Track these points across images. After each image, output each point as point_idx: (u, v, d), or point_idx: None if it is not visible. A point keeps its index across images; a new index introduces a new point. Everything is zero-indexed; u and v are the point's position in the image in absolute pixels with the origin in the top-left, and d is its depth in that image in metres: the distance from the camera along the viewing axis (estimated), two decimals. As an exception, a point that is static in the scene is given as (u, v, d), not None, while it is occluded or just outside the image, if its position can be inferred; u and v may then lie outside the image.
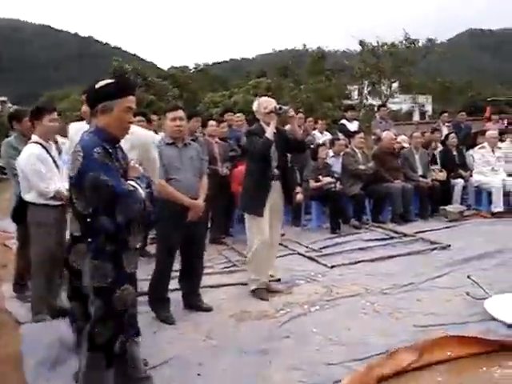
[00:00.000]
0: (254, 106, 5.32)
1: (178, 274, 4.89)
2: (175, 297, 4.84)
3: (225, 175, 7.49)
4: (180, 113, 4.64)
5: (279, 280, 5.53)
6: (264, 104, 5.19)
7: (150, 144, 4.48)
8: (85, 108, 3.93)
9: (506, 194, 8.96)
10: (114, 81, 2.98)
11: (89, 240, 2.77)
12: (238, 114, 9.41)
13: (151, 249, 6.20)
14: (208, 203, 4.94)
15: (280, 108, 5.10)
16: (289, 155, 5.72)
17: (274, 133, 5.06)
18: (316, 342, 3.99)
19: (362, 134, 9.10)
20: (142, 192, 2.81)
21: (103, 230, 2.74)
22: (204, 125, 7.75)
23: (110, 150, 2.80)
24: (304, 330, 4.23)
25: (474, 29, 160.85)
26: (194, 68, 67.59)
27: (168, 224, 4.46)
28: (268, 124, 5.10)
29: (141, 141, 4.39)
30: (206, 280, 5.37)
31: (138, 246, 2.99)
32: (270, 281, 5.33)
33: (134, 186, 2.80)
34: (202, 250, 4.93)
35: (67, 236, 3.20)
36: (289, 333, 4.18)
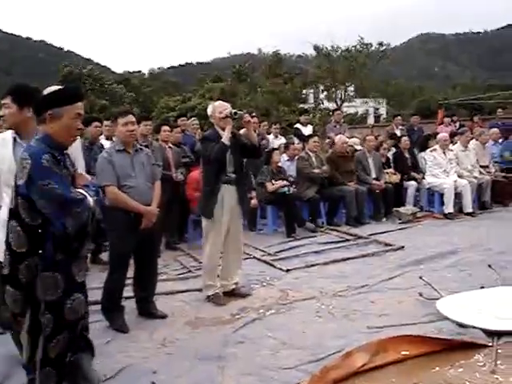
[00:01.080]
0: (209, 111, 5.27)
1: (131, 281, 4.81)
2: (129, 304, 4.77)
3: (179, 181, 7.45)
4: (131, 117, 4.59)
5: (236, 284, 5.52)
6: (219, 108, 5.15)
7: (79, 148, 4.37)
8: (3, 111, 3.67)
9: (457, 196, 9.17)
10: (62, 87, 2.93)
11: (39, 252, 2.69)
12: (193, 118, 9.40)
13: (104, 256, 6.11)
14: (162, 209, 4.90)
15: (235, 113, 5.08)
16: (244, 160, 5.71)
17: (230, 137, 5.04)
18: (271, 346, 3.98)
19: (315, 138, 9.19)
20: (90, 200, 2.77)
21: (53, 239, 2.68)
22: (158, 130, 7.70)
23: (59, 157, 2.75)
24: (259, 334, 4.21)
25: (425, 33, 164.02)
26: (149, 72, 67.29)
27: (121, 231, 4.40)
28: (223, 129, 5.06)
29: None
30: (160, 287, 5.31)
31: (86, 255, 2.95)
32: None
33: (82, 194, 2.75)
34: (155, 257, 4.88)
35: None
36: (244, 338, 4.15)
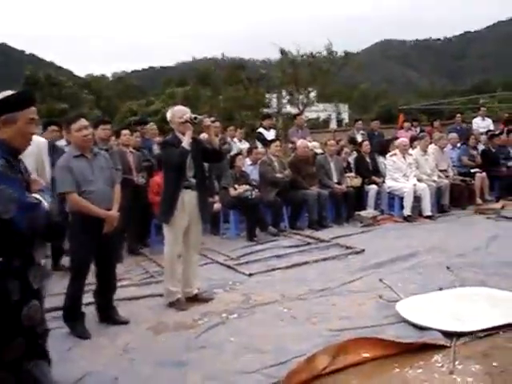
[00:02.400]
0: (168, 116, 5.25)
1: (92, 287, 4.79)
2: (90, 310, 4.73)
3: (141, 184, 7.41)
4: (84, 122, 4.53)
5: (198, 289, 5.51)
6: (178, 113, 5.14)
7: (44, 150, 4.34)
8: None
9: (417, 199, 9.33)
10: (15, 92, 2.89)
11: None
12: (151, 123, 9.43)
13: (66, 262, 6.04)
14: (123, 213, 4.87)
15: (195, 117, 5.08)
16: (206, 164, 5.71)
17: (191, 142, 5.04)
18: (233, 350, 3.98)
19: (278, 143, 9.24)
20: (46, 204, 2.74)
21: (8, 245, 2.64)
22: (118, 134, 7.66)
23: (13, 163, 2.72)
24: (221, 339, 4.22)
25: (387, 40, 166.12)
26: (113, 76, 66.81)
27: (82, 237, 4.38)
28: (183, 134, 5.06)
29: (37, 147, 4.25)
30: (123, 292, 5.30)
31: (42, 261, 2.91)
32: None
33: (38, 199, 2.73)
34: (115, 262, 4.85)
35: None
36: (206, 343, 4.15)
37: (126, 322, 4.70)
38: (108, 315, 4.74)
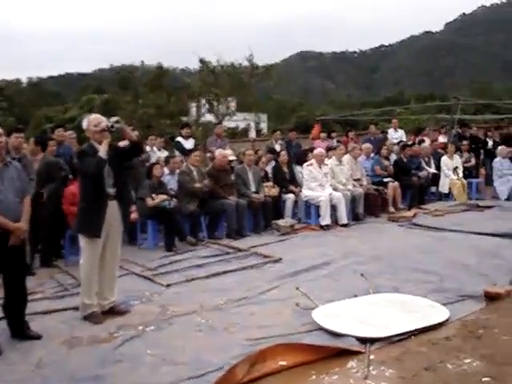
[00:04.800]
0: (84, 124, 5.12)
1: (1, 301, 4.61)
2: (1, 326, 4.58)
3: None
4: None
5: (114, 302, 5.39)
6: (94, 122, 5.03)
7: None
8: None
9: (333, 208, 9.53)
10: None
11: None
12: (70, 132, 9.21)
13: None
14: (36, 224, 4.73)
15: (112, 126, 5.00)
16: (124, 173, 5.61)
17: (107, 150, 4.94)
18: (150, 363, 3.93)
19: (197, 152, 9.24)
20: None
21: None
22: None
23: None
24: (138, 351, 4.15)
25: (305, 51, 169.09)
26: (28, 81, 64.69)
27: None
28: (99, 142, 4.96)
29: None
30: (35, 306, 5.14)
31: None
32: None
33: None
34: (24, 274, 4.68)
35: None
36: (122, 356, 4.07)
37: (38, 337, 4.55)
38: (20, 330, 4.58)
